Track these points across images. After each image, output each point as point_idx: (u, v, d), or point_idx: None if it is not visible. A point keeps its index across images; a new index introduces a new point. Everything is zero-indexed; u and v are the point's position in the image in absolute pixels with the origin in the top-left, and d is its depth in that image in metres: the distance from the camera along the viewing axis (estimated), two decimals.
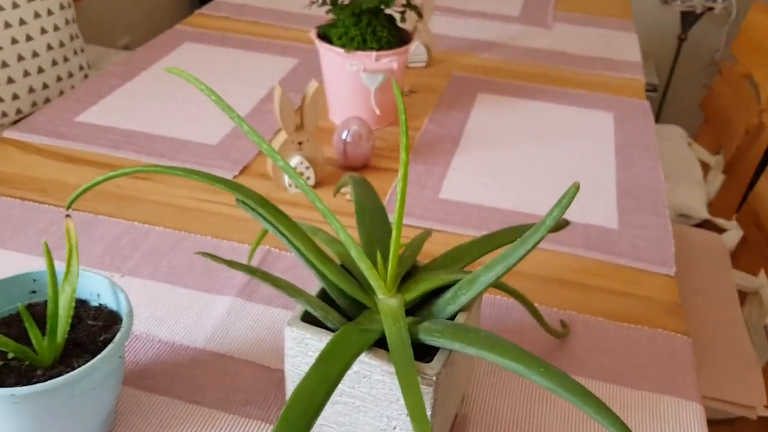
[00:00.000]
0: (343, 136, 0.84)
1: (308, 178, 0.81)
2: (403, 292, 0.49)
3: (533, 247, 0.45)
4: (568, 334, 0.62)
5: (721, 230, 1.33)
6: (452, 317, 0.48)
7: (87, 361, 0.46)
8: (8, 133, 0.88)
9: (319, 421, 0.49)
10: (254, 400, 0.54)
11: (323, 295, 0.50)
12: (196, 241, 0.71)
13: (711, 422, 1.01)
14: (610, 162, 0.92)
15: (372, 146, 0.86)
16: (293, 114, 0.77)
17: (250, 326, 0.61)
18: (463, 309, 0.48)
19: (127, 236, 0.71)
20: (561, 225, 0.62)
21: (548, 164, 0.91)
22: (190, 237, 0.72)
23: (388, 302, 0.47)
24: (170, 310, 0.62)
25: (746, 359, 0.98)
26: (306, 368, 0.47)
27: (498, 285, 0.52)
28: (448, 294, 0.48)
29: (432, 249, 0.71)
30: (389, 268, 0.48)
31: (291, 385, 0.49)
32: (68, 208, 0.49)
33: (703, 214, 1.38)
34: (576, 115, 1.04)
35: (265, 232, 0.61)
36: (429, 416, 0.45)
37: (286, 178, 0.80)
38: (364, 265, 0.47)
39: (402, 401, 0.45)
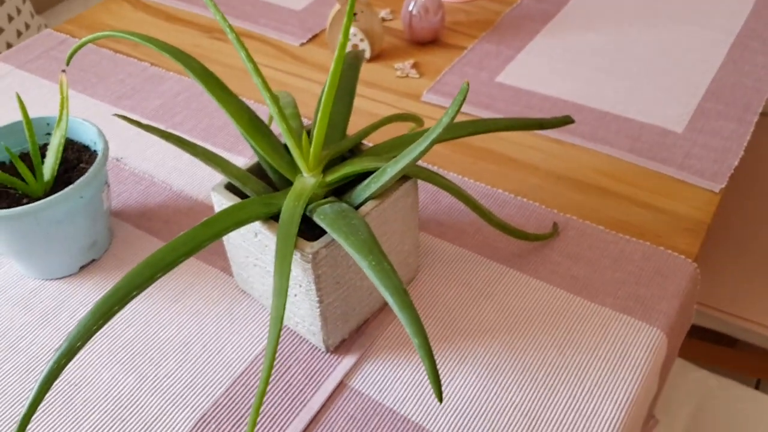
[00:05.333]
0: (410, 8, 0.82)
1: (363, 51, 0.81)
2: (328, 173, 0.50)
3: (432, 143, 0.43)
4: (547, 237, 0.59)
5: None
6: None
7: None
8: None
9: (250, 279, 0.54)
10: (221, 251, 0.60)
11: (259, 169, 0.53)
12: None
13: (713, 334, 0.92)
14: (719, 55, 0.80)
15: (441, 21, 0.83)
16: None
17: None
18: (372, 197, 0.48)
19: (185, 93, 0.79)
20: (564, 121, 0.58)
21: (643, 54, 0.81)
22: None
23: (305, 180, 0.49)
24: (190, 164, 0.69)
25: None
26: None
27: (429, 178, 0.50)
28: (366, 181, 0.49)
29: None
30: (312, 146, 0.49)
31: (226, 245, 0.54)
32: (67, 63, 0.56)
33: None
34: None
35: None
36: (315, 291, 0.47)
37: None
38: (290, 142, 0.49)
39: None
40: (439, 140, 0.45)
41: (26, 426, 0.37)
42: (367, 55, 0.81)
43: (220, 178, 0.67)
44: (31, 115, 0.76)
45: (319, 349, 0.52)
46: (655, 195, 0.64)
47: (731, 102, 0.73)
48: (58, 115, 0.56)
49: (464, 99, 0.41)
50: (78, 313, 0.56)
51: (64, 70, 0.56)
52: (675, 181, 0.65)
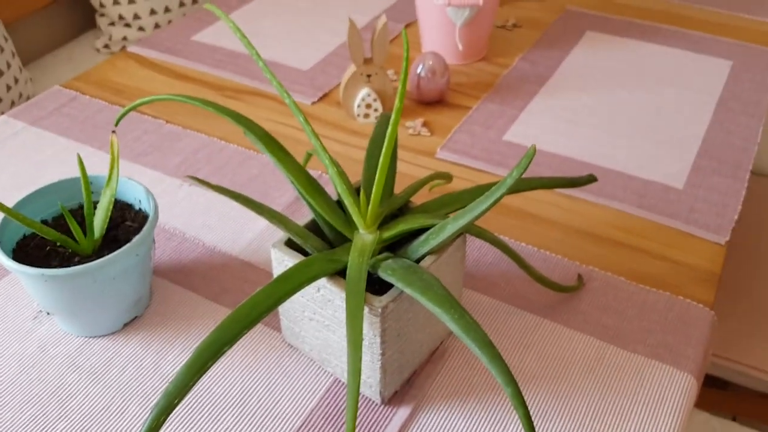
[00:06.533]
0: (418, 71, 0.86)
1: (376, 110, 0.84)
2: (384, 230, 0.52)
3: (495, 202, 0.46)
4: (576, 288, 0.63)
5: None
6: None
7: None
8: (132, 48, 0.99)
9: (303, 333, 0.55)
10: None
11: (314, 225, 0.55)
12: (260, 161, 0.79)
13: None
14: (706, 116, 0.86)
15: (447, 82, 0.87)
16: (361, 47, 0.80)
17: None
18: (432, 252, 0.51)
19: (204, 150, 0.80)
20: (590, 180, 0.62)
21: (635, 113, 0.87)
22: (257, 157, 0.79)
23: (364, 237, 0.51)
24: (220, 219, 0.71)
25: None
26: None
27: (479, 234, 0.54)
28: (422, 237, 0.51)
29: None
30: (370, 205, 0.52)
31: None
32: (116, 125, 0.58)
33: None
34: (689, 61, 0.97)
35: (308, 157, 0.67)
36: (379, 344, 0.49)
37: (355, 107, 0.84)
38: (347, 201, 0.51)
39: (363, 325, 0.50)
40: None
41: None
42: (379, 114, 0.85)
43: (247, 236, 0.69)
44: (51, 173, 0.77)
45: (373, 401, 0.54)
46: (668, 247, 0.68)
47: (723, 159, 0.79)
48: (108, 174, 0.57)
49: (529, 163, 0.44)
50: (127, 370, 0.56)
51: (114, 131, 0.57)
52: (684, 234, 0.70)
